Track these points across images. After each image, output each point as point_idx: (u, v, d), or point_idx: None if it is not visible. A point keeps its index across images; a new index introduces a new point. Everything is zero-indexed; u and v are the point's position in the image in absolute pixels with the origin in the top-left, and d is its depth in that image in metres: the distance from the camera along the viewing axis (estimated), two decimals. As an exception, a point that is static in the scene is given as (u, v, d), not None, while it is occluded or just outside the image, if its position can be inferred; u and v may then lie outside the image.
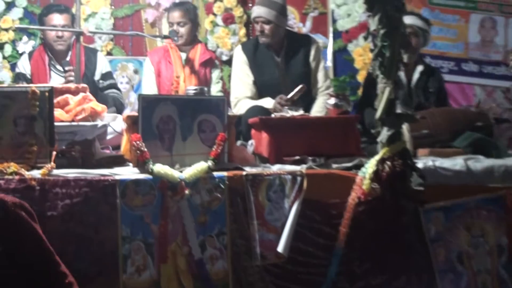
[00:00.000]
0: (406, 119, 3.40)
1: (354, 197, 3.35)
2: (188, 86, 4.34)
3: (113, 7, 6.18)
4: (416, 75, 4.97)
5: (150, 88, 5.28)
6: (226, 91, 5.52)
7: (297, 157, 3.68)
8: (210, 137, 3.45)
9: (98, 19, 6.16)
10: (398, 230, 3.37)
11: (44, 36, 5.17)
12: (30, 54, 5.25)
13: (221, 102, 3.55)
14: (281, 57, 4.94)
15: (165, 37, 5.05)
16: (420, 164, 3.52)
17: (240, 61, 5.01)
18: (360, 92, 5.64)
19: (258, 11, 4.92)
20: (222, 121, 3.49)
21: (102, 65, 5.14)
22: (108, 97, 4.95)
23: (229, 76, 5.39)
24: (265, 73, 4.91)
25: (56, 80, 4.99)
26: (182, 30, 5.20)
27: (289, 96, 4.50)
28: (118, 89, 5.23)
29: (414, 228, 3.42)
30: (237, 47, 5.23)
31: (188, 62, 5.24)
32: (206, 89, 3.89)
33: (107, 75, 5.16)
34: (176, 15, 5.25)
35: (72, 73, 4.68)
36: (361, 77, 6.05)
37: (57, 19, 5.02)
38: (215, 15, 6.15)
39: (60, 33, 4.95)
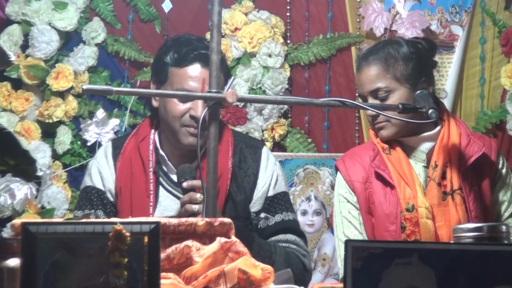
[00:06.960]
0: None
1: None
2: (455, 224, 2.28)
3: (290, 42, 3.48)
4: None
5: (350, 230, 2.63)
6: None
7: None
8: None
9: (255, 66, 3.42)
10: None
11: (160, 109, 2.54)
12: (117, 149, 2.62)
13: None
14: None
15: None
16: None
17: None
18: None
19: None
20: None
21: (270, 177, 2.60)
22: (277, 252, 2.50)
23: None
24: None
25: (167, 207, 2.57)
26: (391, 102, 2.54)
27: None
28: (299, 233, 2.63)
29: None
30: None
31: (434, 166, 2.55)
32: (504, 227, 1.72)
33: (278, 201, 2.60)
34: (372, 73, 2.57)
35: (198, 196, 2.34)
36: None
37: (196, 72, 2.48)
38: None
39: (199, 108, 2.44)
